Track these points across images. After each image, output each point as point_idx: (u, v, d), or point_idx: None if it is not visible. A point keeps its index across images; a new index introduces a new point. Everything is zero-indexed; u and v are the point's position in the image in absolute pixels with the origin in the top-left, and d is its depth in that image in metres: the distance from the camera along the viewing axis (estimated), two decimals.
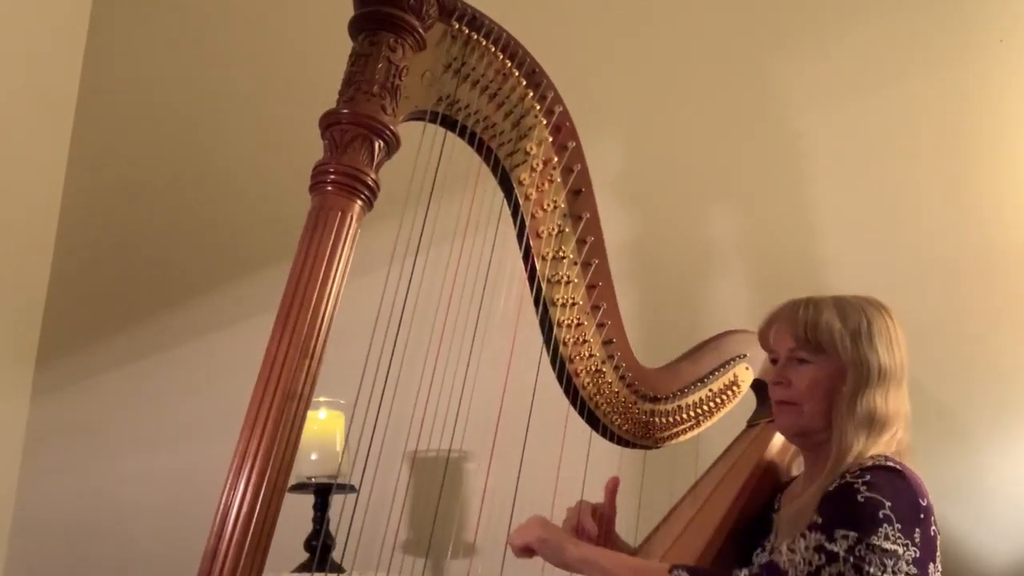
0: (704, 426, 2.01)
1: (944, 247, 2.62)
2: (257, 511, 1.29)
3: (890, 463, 1.53)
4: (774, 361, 1.76)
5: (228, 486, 1.30)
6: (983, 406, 2.47)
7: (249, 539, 1.29)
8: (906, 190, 2.69)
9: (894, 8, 2.83)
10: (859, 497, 1.45)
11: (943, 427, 2.47)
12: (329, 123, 1.48)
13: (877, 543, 1.41)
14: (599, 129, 2.61)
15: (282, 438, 1.32)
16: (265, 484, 1.30)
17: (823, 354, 1.65)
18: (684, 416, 1.95)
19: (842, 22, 2.88)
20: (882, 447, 1.58)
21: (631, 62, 2.97)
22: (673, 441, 1.97)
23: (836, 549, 1.42)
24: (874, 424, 1.58)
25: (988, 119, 2.69)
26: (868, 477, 1.48)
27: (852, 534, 1.42)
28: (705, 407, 1.98)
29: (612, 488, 1.81)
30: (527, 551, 1.64)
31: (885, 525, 1.42)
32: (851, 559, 1.40)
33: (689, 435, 1.99)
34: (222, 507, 1.30)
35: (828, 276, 2.60)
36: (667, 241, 2.77)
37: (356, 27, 1.55)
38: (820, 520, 1.47)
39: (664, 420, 1.92)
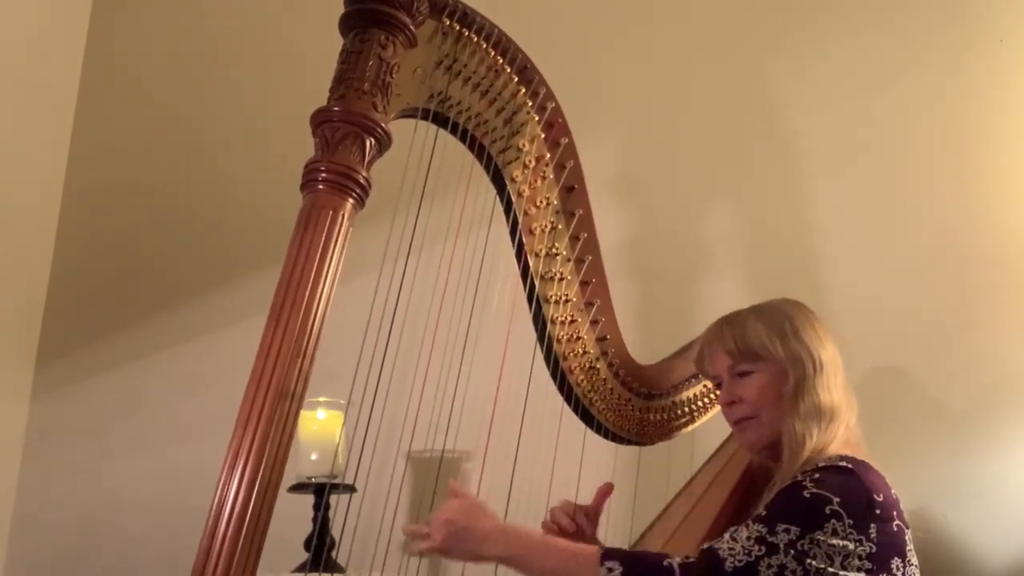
0: (699, 422, 2.01)
1: (944, 247, 2.61)
2: (250, 510, 1.29)
3: (843, 463, 1.50)
4: (719, 386, 1.75)
5: (221, 485, 1.30)
6: (983, 406, 2.46)
7: (243, 538, 1.28)
8: (905, 189, 2.68)
9: (894, 8, 2.82)
10: (805, 493, 1.44)
11: (943, 427, 2.46)
12: (320, 121, 1.48)
13: (823, 538, 1.39)
14: (596, 127, 2.61)
15: (275, 436, 1.32)
16: (258, 483, 1.30)
17: (760, 360, 1.66)
18: (679, 412, 1.96)
19: (841, 21, 2.86)
20: (840, 443, 1.57)
21: (628, 60, 2.96)
22: (668, 437, 1.97)
23: (776, 541, 1.39)
24: (822, 415, 1.58)
25: (988, 119, 2.68)
26: (817, 476, 1.47)
27: (795, 528, 1.40)
28: (700, 403, 1.99)
29: (604, 492, 1.79)
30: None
31: (833, 520, 1.40)
32: (792, 551, 1.38)
33: (684, 431, 1.99)
34: (215, 506, 1.30)
35: (826, 275, 2.59)
36: (664, 239, 2.76)
37: (347, 24, 1.55)
38: (764, 513, 1.45)
39: (659, 416, 1.93)
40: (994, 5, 2.75)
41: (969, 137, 2.67)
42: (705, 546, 1.44)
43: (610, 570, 1.41)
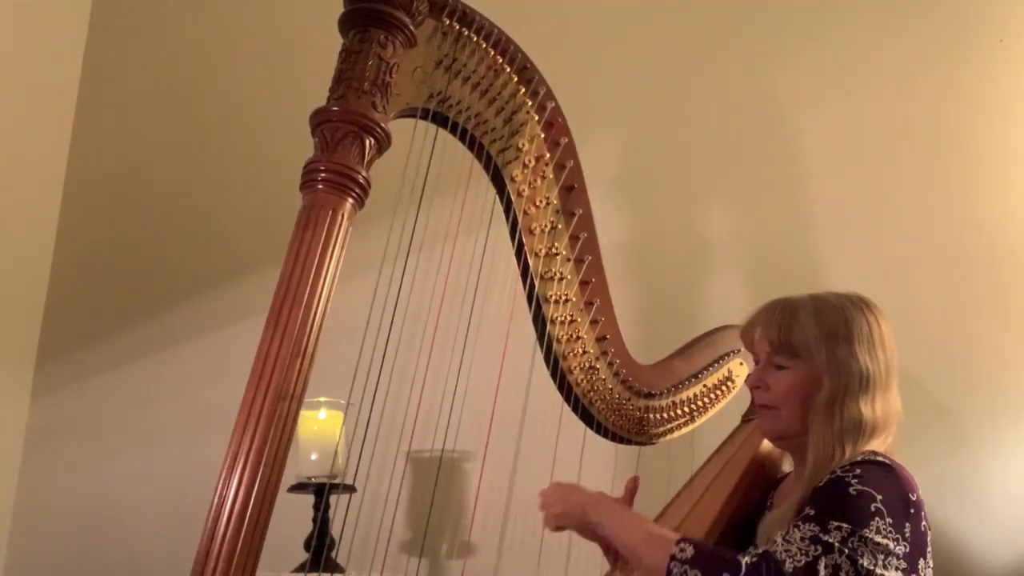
0: (699, 421, 2.01)
1: (944, 245, 2.61)
2: (249, 510, 1.28)
3: (879, 458, 1.51)
4: (757, 362, 1.74)
5: (220, 486, 1.29)
6: (984, 406, 2.46)
7: (242, 539, 1.28)
8: (905, 189, 2.68)
9: (893, 7, 2.82)
10: (851, 490, 1.43)
11: (944, 427, 2.46)
12: (319, 121, 1.47)
13: (869, 536, 1.39)
14: (597, 127, 2.61)
15: (274, 437, 1.32)
16: (257, 483, 1.29)
17: (798, 359, 1.63)
18: (679, 412, 1.95)
19: (841, 20, 2.86)
20: (874, 446, 1.55)
21: (629, 60, 2.96)
22: (668, 437, 1.97)
23: (831, 540, 1.39)
24: (862, 431, 1.55)
25: (987, 118, 2.67)
26: (859, 471, 1.47)
27: (846, 526, 1.40)
28: (700, 403, 1.99)
29: (632, 488, 1.79)
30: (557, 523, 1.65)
31: (877, 519, 1.40)
32: (846, 550, 1.38)
33: (684, 431, 1.99)
34: (214, 507, 1.29)
35: (825, 274, 2.58)
36: (664, 239, 2.76)
37: (346, 24, 1.54)
38: (813, 512, 1.44)
39: (658, 416, 1.92)
40: (994, 5, 2.75)
41: (969, 136, 2.67)
42: (759, 550, 1.44)
43: (682, 549, 1.44)
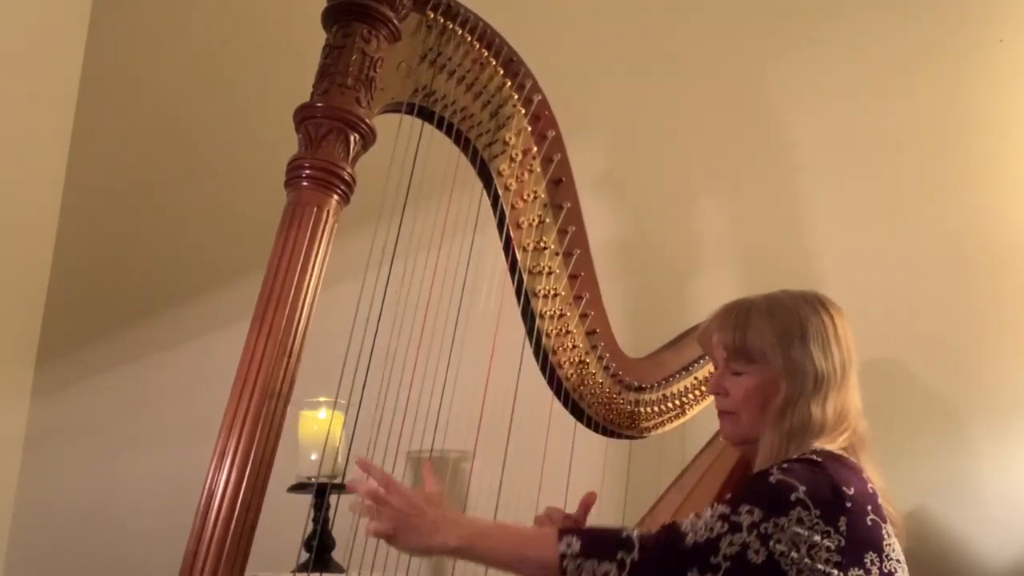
0: (690, 415, 2.00)
1: (943, 244, 2.57)
2: (237, 510, 1.28)
3: (813, 456, 1.47)
4: (716, 367, 1.72)
5: (207, 485, 1.30)
6: (984, 405, 2.42)
7: (229, 539, 1.28)
8: (903, 188, 2.64)
9: (893, 7, 2.79)
10: (771, 479, 1.40)
11: (943, 426, 2.42)
12: (303, 117, 1.48)
13: (787, 525, 1.35)
14: (587, 124, 2.60)
15: (262, 436, 1.32)
16: (245, 483, 1.29)
17: (755, 364, 1.60)
18: (669, 405, 1.95)
19: (838, 18, 2.83)
20: (822, 444, 1.52)
21: (619, 56, 2.93)
22: (659, 430, 1.97)
23: (740, 520, 1.36)
24: (808, 431, 1.52)
25: (987, 118, 2.64)
26: (785, 466, 1.44)
27: (758, 511, 1.36)
28: (690, 395, 1.97)
29: (587, 504, 1.74)
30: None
31: (799, 508, 1.36)
32: (755, 532, 1.35)
33: (675, 424, 1.99)
34: (201, 506, 1.30)
35: (819, 271, 2.55)
36: (654, 234, 2.74)
37: (329, 19, 1.54)
38: (729, 497, 1.41)
39: (649, 409, 1.92)
40: (994, 5, 2.71)
41: (968, 136, 2.64)
42: (667, 523, 1.41)
43: (568, 544, 1.39)
